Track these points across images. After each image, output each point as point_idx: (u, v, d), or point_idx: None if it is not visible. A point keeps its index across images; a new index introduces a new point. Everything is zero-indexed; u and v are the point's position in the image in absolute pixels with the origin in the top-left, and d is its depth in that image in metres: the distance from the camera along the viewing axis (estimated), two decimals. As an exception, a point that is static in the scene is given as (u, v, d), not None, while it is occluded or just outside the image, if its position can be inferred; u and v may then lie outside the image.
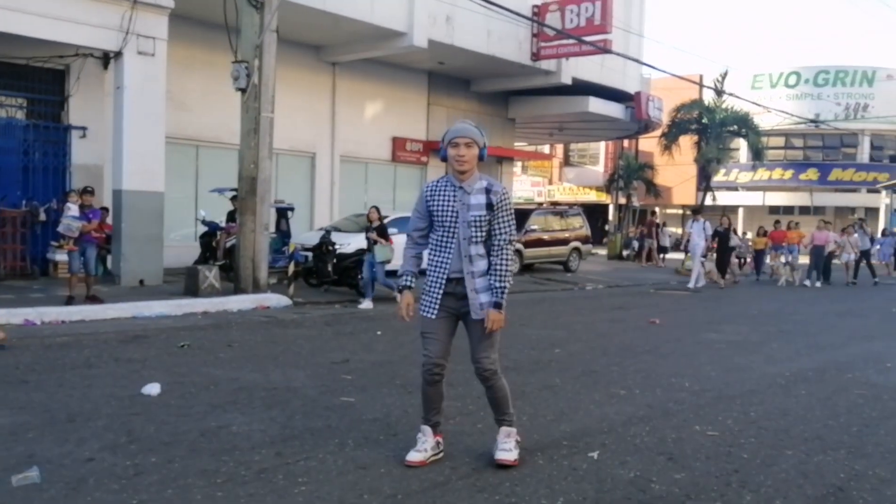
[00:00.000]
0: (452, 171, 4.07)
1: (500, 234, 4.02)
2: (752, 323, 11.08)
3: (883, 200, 35.73)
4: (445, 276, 4.01)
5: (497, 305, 3.99)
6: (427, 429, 4.15)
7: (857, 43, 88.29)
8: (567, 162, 45.47)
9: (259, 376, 6.23)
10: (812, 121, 28.76)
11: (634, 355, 7.89)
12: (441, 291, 4.01)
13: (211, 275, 11.66)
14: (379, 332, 9.00)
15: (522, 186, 41.44)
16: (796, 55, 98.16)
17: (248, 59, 12.10)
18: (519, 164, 33.76)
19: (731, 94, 22.98)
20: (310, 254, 13.69)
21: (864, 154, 37.90)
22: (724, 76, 25.23)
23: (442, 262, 4.02)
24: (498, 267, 4.01)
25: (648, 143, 34.04)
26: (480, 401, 5.52)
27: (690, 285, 16.92)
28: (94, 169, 13.88)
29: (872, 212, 36.47)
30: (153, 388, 5.49)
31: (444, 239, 4.01)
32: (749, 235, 29.75)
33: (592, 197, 39.67)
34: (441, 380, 4.08)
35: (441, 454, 4.16)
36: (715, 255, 17.83)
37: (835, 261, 19.75)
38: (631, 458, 4.32)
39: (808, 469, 4.24)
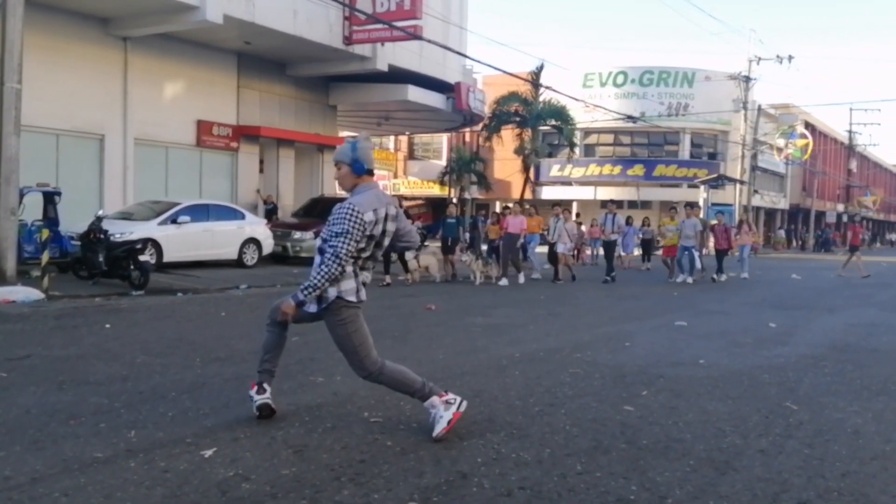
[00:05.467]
0: None
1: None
2: (528, 307, 10.96)
3: (701, 195, 37.76)
4: None
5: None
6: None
7: (679, 46, 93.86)
8: (412, 155, 45.31)
9: None
10: (630, 117, 29.91)
11: (376, 340, 7.40)
12: None
13: (-62, 265, 10.24)
14: (108, 325, 8.09)
15: (365, 180, 40.70)
16: (624, 56, 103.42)
17: (-13, 21, 10.77)
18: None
19: (547, 88, 23.34)
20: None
21: (685, 151, 40.00)
22: (539, 69, 25.68)
23: None
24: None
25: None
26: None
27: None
28: None
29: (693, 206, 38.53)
30: None
31: None
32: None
33: (436, 191, 39.64)
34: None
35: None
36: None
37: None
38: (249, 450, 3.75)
39: (449, 454, 3.83)
